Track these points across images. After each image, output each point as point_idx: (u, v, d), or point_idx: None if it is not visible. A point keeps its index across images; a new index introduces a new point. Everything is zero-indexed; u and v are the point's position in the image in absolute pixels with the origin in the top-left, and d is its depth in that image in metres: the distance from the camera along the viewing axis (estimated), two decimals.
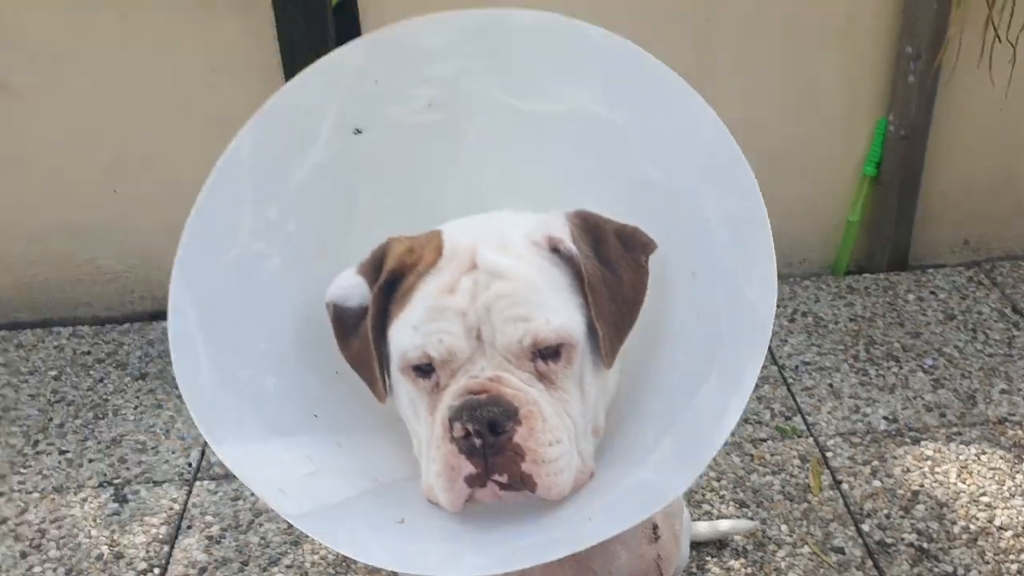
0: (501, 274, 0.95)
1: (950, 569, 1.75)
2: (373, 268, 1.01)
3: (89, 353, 2.50)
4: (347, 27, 2.40)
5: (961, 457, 2.01)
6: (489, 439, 0.91)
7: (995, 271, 2.66)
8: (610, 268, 0.98)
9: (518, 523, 0.94)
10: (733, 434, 2.08)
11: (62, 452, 2.15)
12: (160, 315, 2.64)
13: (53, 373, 2.42)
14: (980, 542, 1.81)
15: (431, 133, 1.12)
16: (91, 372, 2.42)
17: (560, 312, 0.95)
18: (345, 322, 1.01)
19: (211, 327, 1.01)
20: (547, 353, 0.95)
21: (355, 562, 1.80)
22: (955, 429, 2.09)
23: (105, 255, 2.60)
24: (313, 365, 1.07)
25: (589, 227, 1.01)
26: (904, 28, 2.39)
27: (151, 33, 2.33)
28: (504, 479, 0.92)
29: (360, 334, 1.00)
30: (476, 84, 1.10)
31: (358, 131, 1.08)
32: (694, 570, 1.77)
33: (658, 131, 1.03)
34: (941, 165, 2.60)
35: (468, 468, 0.92)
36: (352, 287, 1.01)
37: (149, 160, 2.47)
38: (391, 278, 0.99)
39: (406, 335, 0.96)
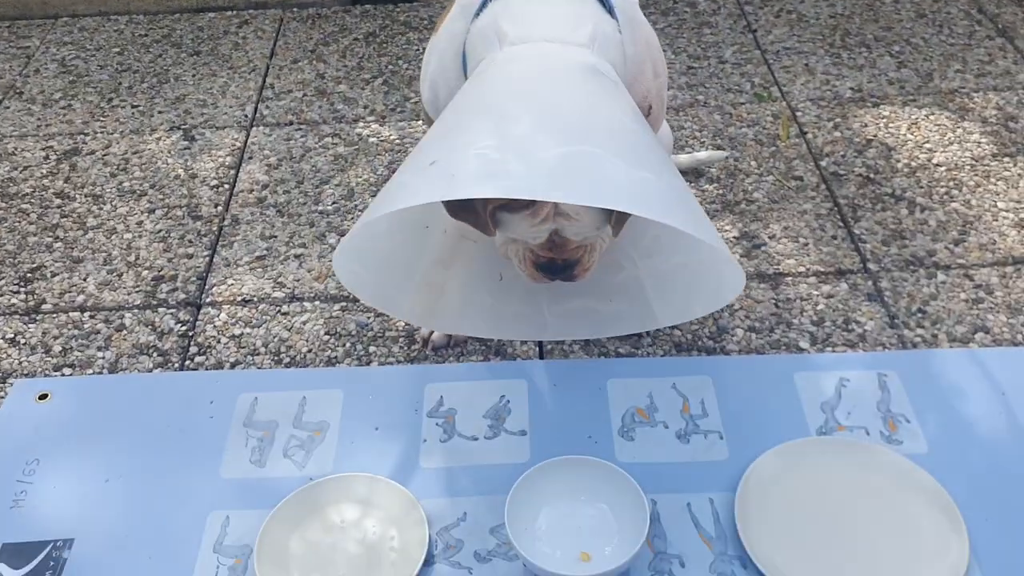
0: (571, 215, 1.32)
1: (890, 191, 2.10)
2: None
3: (146, 35, 2.78)
4: None
5: (913, 117, 2.33)
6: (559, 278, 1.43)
7: None
8: None
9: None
10: (717, 99, 2.41)
11: (134, 106, 2.47)
12: (205, 8, 2.91)
13: (116, 50, 2.72)
14: (918, 174, 2.15)
15: None
16: (150, 49, 2.71)
17: (603, 230, 1.38)
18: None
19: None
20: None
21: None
22: (911, 97, 2.40)
23: None
24: None
25: None
26: None
27: None
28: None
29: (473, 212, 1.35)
30: None
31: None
32: None
33: None
34: None
35: (545, 280, 1.43)
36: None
37: None
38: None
39: (510, 233, 1.36)
